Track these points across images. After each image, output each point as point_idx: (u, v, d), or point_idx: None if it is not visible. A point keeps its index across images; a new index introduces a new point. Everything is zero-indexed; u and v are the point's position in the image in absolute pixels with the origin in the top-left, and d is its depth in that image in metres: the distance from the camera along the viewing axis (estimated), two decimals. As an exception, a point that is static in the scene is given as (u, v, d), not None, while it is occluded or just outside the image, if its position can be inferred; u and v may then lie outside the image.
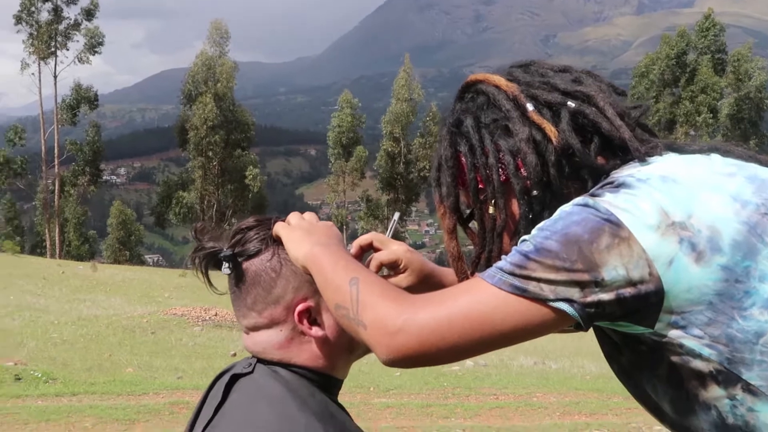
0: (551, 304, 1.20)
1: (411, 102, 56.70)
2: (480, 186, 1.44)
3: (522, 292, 1.21)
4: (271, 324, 1.42)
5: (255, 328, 1.44)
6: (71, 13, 54.42)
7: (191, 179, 55.43)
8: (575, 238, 1.21)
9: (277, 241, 1.43)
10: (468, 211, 1.53)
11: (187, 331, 14.72)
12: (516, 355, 14.36)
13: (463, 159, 1.45)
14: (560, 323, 1.23)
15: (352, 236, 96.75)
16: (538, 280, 1.21)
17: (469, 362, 12.66)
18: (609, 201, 1.24)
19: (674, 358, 1.28)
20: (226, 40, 56.48)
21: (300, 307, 1.40)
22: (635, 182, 1.27)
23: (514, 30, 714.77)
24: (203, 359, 12.07)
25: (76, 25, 54.33)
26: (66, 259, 48.91)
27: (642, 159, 1.36)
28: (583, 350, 15.79)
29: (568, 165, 1.39)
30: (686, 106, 52.57)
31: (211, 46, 55.98)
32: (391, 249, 1.61)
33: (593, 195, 1.28)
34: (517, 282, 1.21)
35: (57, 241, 53.12)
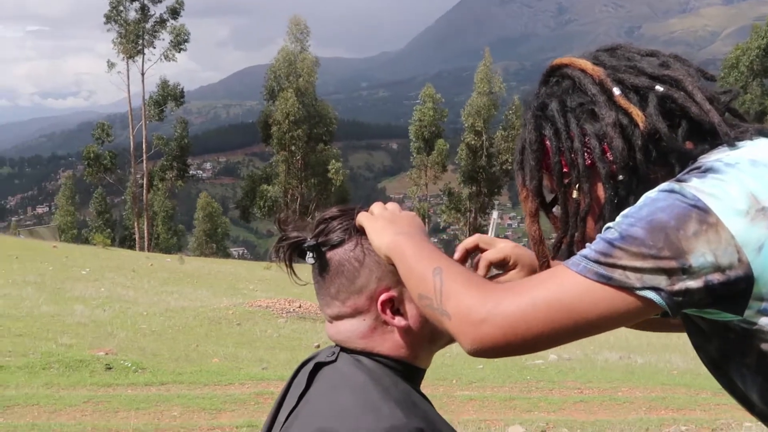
0: (638, 292, 1.18)
1: (492, 95, 56.32)
2: (564, 170, 1.43)
3: (607, 281, 1.19)
4: (354, 313, 1.43)
5: (338, 318, 1.45)
6: (157, 11, 55.58)
7: (275, 173, 56.09)
8: (661, 225, 1.18)
9: (361, 231, 1.43)
10: (551, 196, 1.53)
11: (271, 322, 14.90)
12: (601, 349, 14.16)
13: (547, 143, 1.44)
14: (647, 312, 1.21)
15: (434, 230, 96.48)
16: (624, 267, 1.18)
17: (552, 356, 12.54)
18: (696, 186, 1.21)
19: (764, 346, 1.25)
20: (306, 35, 56.96)
21: (383, 297, 1.41)
22: (723, 167, 1.25)
23: (597, 22, 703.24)
24: (287, 350, 12.21)
25: (162, 23, 55.43)
26: (154, 251, 50.02)
27: (731, 144, 1.33)
28: (670, 345, 15.49)
29: (655, 150, 1.36)
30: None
31: (292, 42, 56.52)
32: (498, 247, 1.58)
33: (679, 180, 1.25)
34: (602, 270, 1.19)
35: (146, 235, 54.37)
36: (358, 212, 1.46)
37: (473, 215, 56.64)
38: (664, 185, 1.26)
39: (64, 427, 6.69)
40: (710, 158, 1.30)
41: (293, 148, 54.53)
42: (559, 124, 1.42)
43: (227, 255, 66.17)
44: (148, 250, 50.52)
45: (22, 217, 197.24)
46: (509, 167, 56.99)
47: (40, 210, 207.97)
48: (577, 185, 1.42)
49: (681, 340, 17.06)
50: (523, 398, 9.09)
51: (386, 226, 1.42)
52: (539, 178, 1.47)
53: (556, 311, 1.21)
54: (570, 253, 1.43)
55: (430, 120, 56.36)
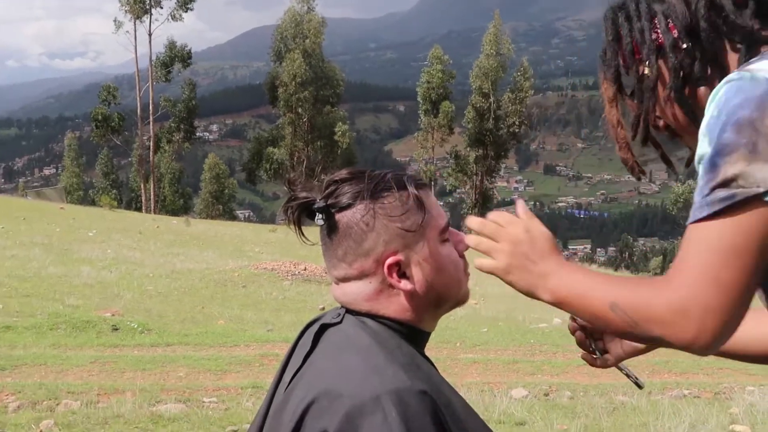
0: (765, 198, 1.13)
1: (500, 57, 55.97)
2: (635, 48, 1.43)
3: (732, 200, 1.13)
4: (360, 276, 1.43)
5: (345, 279, 1.46)
6: (165, -30, 55.17)
7: (281, 136, 55.97)
8: (747, 121, 1.14)
9: (372, 196, 1.42)
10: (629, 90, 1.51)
11: (276, 285, 14.97)
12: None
13: (621, 30, 1.45)
14: None
15: (441, 192, 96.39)
16: (736, 178, 1.13)
17: (557, 319, 12.59)
18: (763, 68, 1.18)
19: None
20: (313, -5, 56.53)
21: (390, 261, 1.41)
22: None
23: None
24: (292, 313, 12.28)
25: (169, -18, 55.11)
26: (161, 214, 50.12)
27: None
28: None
29: (723, 24, 1.33)
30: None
31: (299, 2, 56.13)
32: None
33: (743, 69, 1.21)
34: (721, 194, 1.14)
35: (152, 197, 54.45)
36: (369, 176, 1.45)
37: (480, 178, 56.51)
38: (726, 79, 1.21)
39: (71, 387, 6.75)
40: None
41: (300, 110, 54.35)
42: (631, 10, 1.43)
43: (233, 217, 66.27)
44: (155, 212, 50.62)
45: (29, 178, 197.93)
46: (516, 130, 56.84)
47: (47, 171, 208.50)
48: (647, 62, 1.41)
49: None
50: (527, 361, 9.14)
51: (528, 267, 1.40)
52: (616, 65, 1.46)
53: (729, 262, 1.15)
54: (646, 130, 1.46)
55: (438, 82, 56.05)
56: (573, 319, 1.71)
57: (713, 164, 1.15)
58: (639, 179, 1.57)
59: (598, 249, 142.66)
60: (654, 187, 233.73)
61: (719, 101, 1.19)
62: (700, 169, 1.19)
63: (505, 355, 9.56)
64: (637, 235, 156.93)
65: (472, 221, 1.47)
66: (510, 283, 1.42)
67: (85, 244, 19.57)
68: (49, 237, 20.09)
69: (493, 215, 1.47)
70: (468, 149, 56.96)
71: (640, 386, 1.82)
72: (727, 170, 1.13)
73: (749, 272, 1.15)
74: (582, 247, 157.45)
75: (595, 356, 1.75)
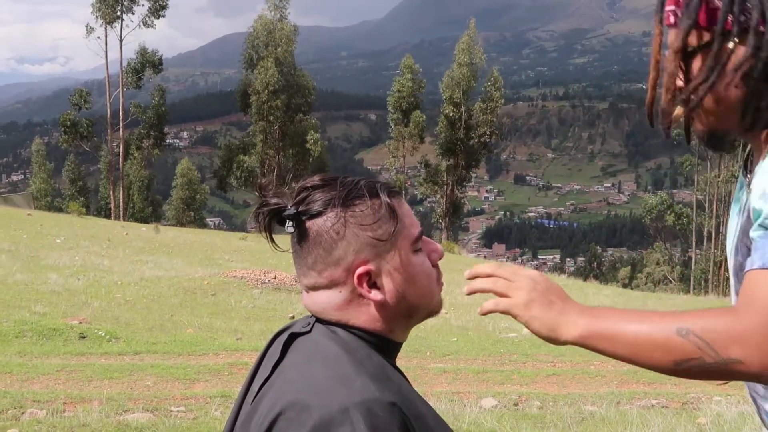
0: None
1: (472, 66, 56.16)
2: (727, 20, 1.45)
3: None
4: (330, 285, 1.42)
5: (315, 288, 1.44)
6: (137, -24, 54.87)
7: (252, 143, 55.82)
8: None
9: (344, 204, 1.40)
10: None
11: (246, 293, 14.90)
12: (574, 323, 14.26)
13: (717, 1, 1.45)
14: None
15: (411, 201, 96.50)
16: None
17: (525, 329, 12.62)
18: None
19: None
20: (285, 3, 56.42)
21: (360, 270, 1.39)
22: None
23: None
24: (262, 321, 12.23)
25: (142, -11, 54.80)
26: (130, 221, 49.77)
27: None
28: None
29: None
30: None
31: (271, 10, 56.04)
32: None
33: None
34: None
35: (121, 203, 54.05)
36: (341, 183, 1.44)
37: (450, 188, 56.60)
38: None
39: (37, 396, 6.67)
40: None
41: (271, 118, 54.23)
42: None
43: (203, 225, 65.94)
44: (124, 219, 50.27)
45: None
46: (487, 140, 57.02)
47: (15, 177, 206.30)
48: (734, 39, 1.44)
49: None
50: (496, 371, 9.15)
51: (551, 311, 1.42)
52: (695, 19, 1.47)
53: None
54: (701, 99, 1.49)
55: (408, 91, 56.14)
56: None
57: None
58: (667, 137, 1.62)
59: (568, 259, 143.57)
60: (623, 198, 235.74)
61: None
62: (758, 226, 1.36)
63: (475, 364, 9.57)
64: (606, 245, 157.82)
65: (483, 267, 1.46)
66: (529, 321, 1.43)
67: (53, 250, 19.39)
68: (16, 243, 19.88)
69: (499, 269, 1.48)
70: (439, 158, 57.09)
71: None
72: None
73: None
74: (551, 256, 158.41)
75: None
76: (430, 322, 12.51)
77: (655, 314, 1.38)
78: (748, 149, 1.64)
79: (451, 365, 9.43)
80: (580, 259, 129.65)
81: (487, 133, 56.11)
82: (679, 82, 1.53)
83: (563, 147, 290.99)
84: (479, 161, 59.48)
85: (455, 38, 60.22)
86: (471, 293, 1.46)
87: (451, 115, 55.88)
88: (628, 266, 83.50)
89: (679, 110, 1.56)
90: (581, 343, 1.41)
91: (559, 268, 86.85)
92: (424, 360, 9.64)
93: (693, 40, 1.50)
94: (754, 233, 1.38)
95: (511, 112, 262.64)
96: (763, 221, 1.36)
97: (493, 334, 12.23)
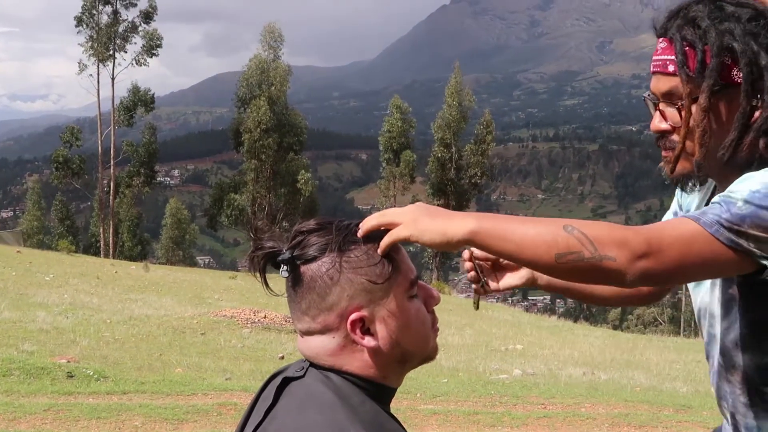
0: (756, 258, 1.50)
1: (461, 108, 56.51)
2: (755, 83, 1.63)
3: (736, 245, 1.49)
4: (324, 330, 1.41)
5: (308, 333, 1.44)
6: (130, 15, 55.23)
7: (243, 182, 55.83)
8: None
9: (340, 248, 1.41)
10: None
11: (236, 332, 14.82)
12: (565, 365, 14.24)
13: (725, 57, 1.64)
14: (746, 269, 1.54)
15: (402, 242, 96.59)
16: (748, 238, 1.49)
17: (517, 370, 12.59)
18: None
19: None
20: (280, 43, 56.78)
21: (353, 316, 1.39)
22: None
23: (569, 35, 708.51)
24: (252, 361, 12.15)
25: (134, 28, 55.08)
26: (119, 259, 49.58)
27: None
28: (633, 362, 15.61)
29: None
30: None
31: (265, 50, 56.38)
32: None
33: None
34: (733, 236, 1.49)
35: (111, 241, 53.87)
36: (337, 227, 1.44)
37: (441, 227, 56.60)
38: None
39: (23, 436, 6.60)
40: None
41: (263, 156, 54.29)
42: (746, 45, 1.62)
43: (193, 263, 65.74)
44: (113, 258, 50.07)
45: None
46: (478, 180, 57.24)
47: (4, 214, 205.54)
48: (756, 98, 1.64)
49: (644, 357, 17.21)
50: (487, 413, 9.10)
51: (439, 215, 1.49)
52: (716, 78, 1.64)
53: (694, 259, 1.50)
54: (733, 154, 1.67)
55: (398, 131, 56.42)
56: (470, 257, 1.91)
57: (743, 220, 1.49)
58: (684, 189, 1.86)
59: (558, 300, 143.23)
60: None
61: None
62: (727, 200, 1.53)
63: (466, 406, 9.52)
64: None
65: (369, 219, 1.47)
66: (420, 235, 1.45)
67: (42, 288, 19.28)
68: (4, 281, 19.78)
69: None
70: (430, 198, 57.20)
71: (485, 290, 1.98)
72: (746, 231, 1.49)
73: (692, 278, 1.64)
74: (542, 297, 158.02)
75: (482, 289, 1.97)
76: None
77: (545, 218, 1.54)
78: (712, 187, 1.86)
79: (442, 407, 9.37)
80: (570, 300, 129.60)
81: (478, 173, 56.37)
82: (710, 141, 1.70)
83: (553, 188, 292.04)
84: (470, 201, 59.61)
85: (446, 79, 60.65)
86: (365, 234, 1.44)
87: (441, 155, 56.12)
88: (618, 308, 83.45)
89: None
90: (471, 239, 1.47)
91: (549, 309, 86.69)
92: (414, 401, 9.59)
93: (690, 90, 1.67)
94: (713, 201, 1.57)
95: (502, 152, 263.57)
96: (727, 194, 1.55)
97: (483, 376, 12.18)
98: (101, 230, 54.86)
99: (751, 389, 1.76)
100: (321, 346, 1.42)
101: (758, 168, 1.60)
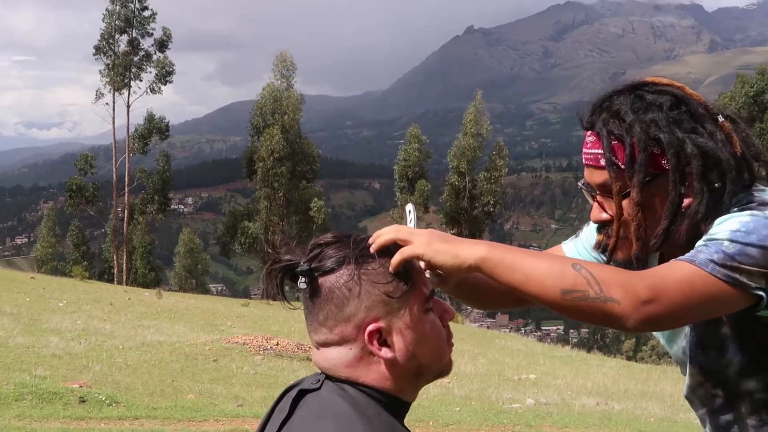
0: (752, 291, 1.55)
1: (479, 137, 56.65)
2: (689, 177, 1.70)
3: (732, 281, 1.54)
4: (341, 342, 1.42)
5: (325, 345, 1.44)
6: (145, 44, 55.68)
7: (257, 210, 55.99)
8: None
9: (357, 261, 1.42)
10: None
11: (248, 359, 14.80)
12: (578, 394, 14.14)
13: (652, 147, 1.69)
14: (746, 304, 1.58)
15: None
16: (741, 272, 1.54)
17: (530, 400, 12.51)
18: None
19: None
20: (292, 72, 57.12)
21: (371, 327, 1.40)
22: None
23: (582, 67, 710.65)
24: (263, 388, 12.12)
25: (148, 57, 55.52)
26: (132, 286, 49.68)
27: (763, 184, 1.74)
28: (647, 393, 15.49)
29: (746, 171, 1.72)
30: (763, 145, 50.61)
31: (278, 79, 56.72)
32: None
33: (762, 207, 1.63)
34: (728, 272, 1.54)
35: (124, 268, 54.00)
36: (354, 240, 1.45)
37: (454, 257, 56.54)
38: (757, 212, 1.62)
39: (35, 461, 6.59)
40: (764, 195, 1.69)
41: (276, 184, 54.49)
42: (671, 135, 1.68)
43: (206, 291, 65.82)
44: (127, 284, 50.17)
45: (0, 247, 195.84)
46: (491, 209, 57.20)
47: (19, 241, 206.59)
48: (698, 196, 1.70)
49: (658, 387, 17.07)
50: (500, 441, 9.04)
51: (452, 241, 1.53)
52: (646, 172, 1.70)
53: (700, 297, 1.54)
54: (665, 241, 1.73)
55: (414, 160, 56.57)
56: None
57: (733, 258, 1.55)
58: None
59: (571, 330, 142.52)
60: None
61: (749, 224, 1.59)
62: (713, 242, 1.59)
63: (478, 434, 9.46)
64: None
65: (384, 232, 1.49)
66: (434, 256, 1.48)
67: (55, 314, 19.32)
68: (18, 306, 19.83)
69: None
70: (443, 227, 57.18)
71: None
72: (739, 266, 1.54)
73: (697, 318, 1.64)
74: (555, 327, 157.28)
75: None
76: (432, 391, 12.41)
77: (555, 255, 1.64)
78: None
79: (454, 435, 9.32)
80: (584, 330, 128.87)
81: (491, 202, 56.36)
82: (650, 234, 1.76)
83: (567, 218, 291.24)
84: (483, 231, 59.54)
85: (459, 109, 61.10)
86: (378, 249, 1.45)
87: (455, 184, 56.17)
88: (632, 338, 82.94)
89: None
90: (481, 265, 1.50)
91: (562, 339, 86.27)
92: (427, 429, 9.54)
93: (620, 186, 1.74)
94: (698, 245, 1.62)
95: (515, 182, 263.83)
96: (709, 237, 1.60)
97: (496, 405, 12.11)
98: (115, 257, 55.00)
99: (761, 410, 1.81)
100: (338, 357, 1.43)
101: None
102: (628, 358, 51.37)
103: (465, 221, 56.16)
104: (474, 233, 57.02)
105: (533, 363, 20.82)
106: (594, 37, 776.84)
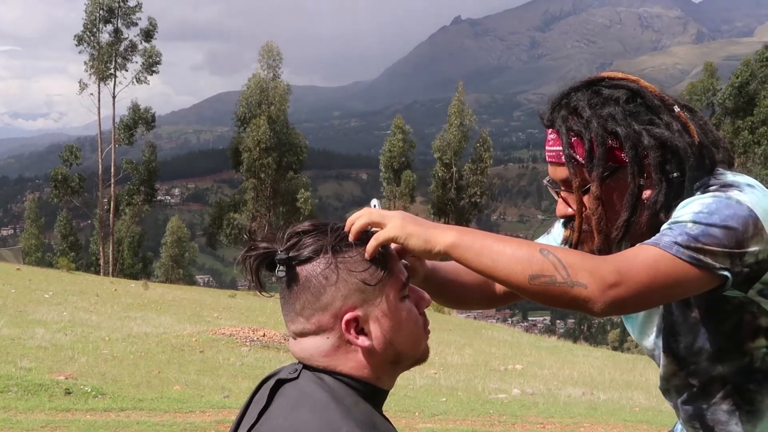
0: (716, 271, 1.57)
1: (463, 128, 56.65)
2: (648, 170, 1.71)
3: (697, 262, 1.56)
4: (318, 331, 1.42)
5: (302, 334, 1.44)
6: (130, 34, 55.32)
7: (243, 201, 55.88)
8: (733, 230, 1.57)
9: (334, 250, 1.42)
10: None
11: (234, 351, 14.79)
12: (564, 385, 14.19)
13: (610, 141, 1.71)
14: (711, 285, 1.60)
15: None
16: (706, 253, 1.56)
17: (515, 390, 12.55)
18: (748, 199, 1.61)
19: (747, 316, 1.73)
20: (279, 62, 56.93)
21: (348, 316, 1.40)
22: (745, 185, 1.66)
23: (569, 57, 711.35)
24: (250, 379, 12.12)
25: (134, 47, 55.16)
26: (119, 277, 49.53)
27: (723, 169, 1.76)
28: (633, 383, 15.56)
29: (706, 158, 1.74)
30: (746, 137, 50.64)
31: (264, 69, 56.53)
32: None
33: (725, 188, 1.65)
34: (693, 253, 1.56)
35: (111, 259, 53.82)
36: (331, 228, 1.46)
37: (441, 247, 56.60)
38: (720, 194, 1.63)
39: (20, 452, 6.58)
40: (725, 178, 1.70)
41: (263, 175, 54.37)
42: (628, 128, 1.70)
43: (193, 282, 65.68)
44: (113, 276, 50.01)
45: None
46: (478, 200, 57.25)
47: (5, 232, 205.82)
48: (657, 187, 1.72)
49: (643, 377, 17.15)
50: (486, 432, 9.07)
51: (423, 224, 1.54)
52: (604, 166, 1.72)
53: (665, 279, 1.55)
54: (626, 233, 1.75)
55: (399, 151, 56.55)
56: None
57: (697, 239, 1.57)
58: None
59: (558, 321, 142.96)
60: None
61: (712, 205, 1.61)
62: (676, 224, 1.61)
63: (464, 425, 9.48)
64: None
65: (357, 217, 1.52)
66: (407, 238, 1.51)
67: (41, 305, 19.26)
68: (3, 298, 19.75)
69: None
70: (430, 218, 57.21)
71: None
72: (703, 247, 1.56)
73: (663, 301, 1.68)
74: (541, 318, 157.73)
75: None
76: (418, 381, 12.43)
77: (523, 240, 1.61)
78: None
79: (440, 426, 9.34)
80: (570, 321, 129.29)
81: (478, 193, 56.42)
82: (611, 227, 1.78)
83: (553, 209, 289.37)
84: (470, 221, 59.63)
85: (447, 100, 60.95)
86: (356, 237, 1.48)
87: (441, 175, 56.18)
88: (617, 329, 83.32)
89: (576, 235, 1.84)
90: (451, 252, 1.53)
91: (549, 330, 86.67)
92: (413, 420, 9.55)
93: (580, 182, 1.76)
94: (663, 228, 1.64)
95: (502, 173, 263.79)
96: (673, 220, 1.63)
97: (482, 395, 12.15)
98: (101, 248, 54.82)
99: (734, 393, 1.82)
100: (315, 347, 1.43)
101: None
102: (614, 349, 51.60)
103: (452, 212, 56.21)
104: (461, 224, 56.95)
105: (519, 353, 20.88)
106: (581, 27, 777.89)
